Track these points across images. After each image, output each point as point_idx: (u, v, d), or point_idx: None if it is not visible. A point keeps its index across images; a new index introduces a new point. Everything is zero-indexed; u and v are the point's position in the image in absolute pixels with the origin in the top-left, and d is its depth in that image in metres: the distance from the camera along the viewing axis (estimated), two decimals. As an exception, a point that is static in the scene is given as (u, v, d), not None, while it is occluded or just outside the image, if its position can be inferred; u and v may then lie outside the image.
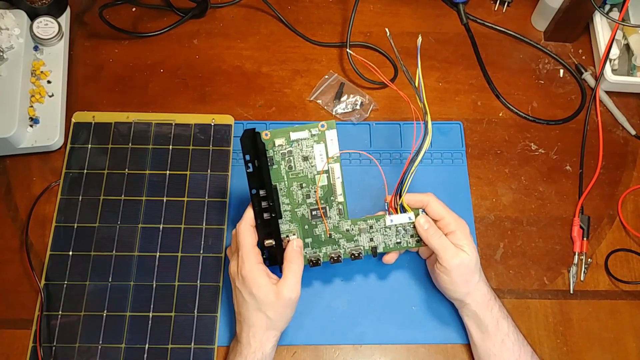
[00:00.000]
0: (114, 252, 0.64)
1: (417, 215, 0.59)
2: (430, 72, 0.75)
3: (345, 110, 0.72)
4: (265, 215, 0.57)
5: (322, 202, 0.60)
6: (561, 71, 0.76)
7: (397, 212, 0.60)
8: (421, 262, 0.64)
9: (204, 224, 0.65)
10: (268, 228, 0.58)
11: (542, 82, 0.76)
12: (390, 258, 0.61)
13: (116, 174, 0.67)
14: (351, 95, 0.73)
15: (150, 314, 0.62)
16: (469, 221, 0.67)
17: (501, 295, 0.64)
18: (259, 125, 0.71)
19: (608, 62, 0.72)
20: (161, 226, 0.65)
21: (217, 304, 0.62)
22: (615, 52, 0.72)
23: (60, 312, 0.61)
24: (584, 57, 0.77)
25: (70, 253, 0.64)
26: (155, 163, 0.68)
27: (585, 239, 0.67)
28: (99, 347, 0.60)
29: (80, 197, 0.66)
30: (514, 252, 0.66)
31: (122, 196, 0.66)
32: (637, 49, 0.73)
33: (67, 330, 0.61)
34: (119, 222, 0.65)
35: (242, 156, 0.56)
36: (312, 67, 0.75)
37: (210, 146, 0.69)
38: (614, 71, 0.73)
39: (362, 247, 0.60)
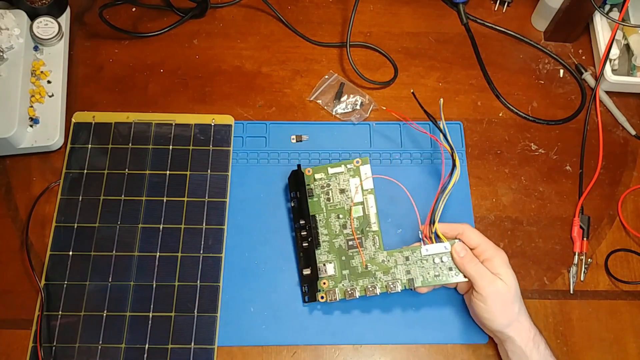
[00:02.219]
0: (114, 252, 0.64)
1: (452, 245, 0.59)
2: (431, 72, 0.75)
3: (345, 110, 0.72)
4: (305, 244, 0.61)
5: (358, 232, 0.62)
6: (561, 71, 0.76)
7: (432, 242, 0.60)
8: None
9: (204, 224, 0.65)
10: (307, 258, 0.61)
11: (542, 82, 0.76)
12: (424, 288, 0.61)
13: (116, 174, 0.67)
14: (351, 95, 0.73)
15: (150, 314, 0.62)
16: (469, 221, 0.67)
17: (501, 295, 0.64)
18: (260, 126, 0.71)
19: (608, 62, 0.72)
20: (161, 226, 0.65)
21: (217, 304, 0.62)
22: (615, 52, 0.72)
23: (60, 312, 0.61)
24: (583, 57, 0.77)
25: (70, 253, 0.64)
26: (156, 163, 0.68)
27: (585, 239, 0.67)
28: (99, 347, 0.60)
29: (80, 197, 0.66)
30: (514, 252, 0.66)
31: (122, 196, 0.66)
32: (637, 49, 0.73)
33: (67, 330, 0.61)
34: (119, 222, 0.65)
35: (242, 157, 0.61)
36: (312, 67, 0.75)
37: (210, 146, 0.69)
38: (614, 71, 0.73)
39: (399, 280, 0.60)
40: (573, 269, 0.65)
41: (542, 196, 0.69)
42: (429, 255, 0.60)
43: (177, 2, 0.77)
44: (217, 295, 0.63)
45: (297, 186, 0.64)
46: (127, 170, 0.68)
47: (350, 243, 0.62)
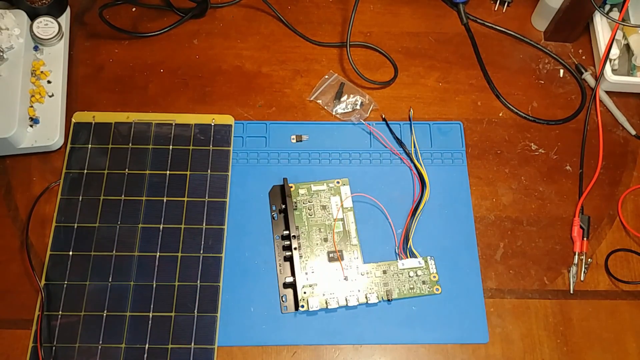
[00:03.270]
0: (114, 252, 0.64)
1: (425, 259, 0.63)
2: (431, 72, 0.75)
3: (345, 110, 0.72)
4: (287, 253, 0.63)
5: (339, 246, 0.64)
6: (561, 71, 0.76)
7: (407, 257, 0.64)
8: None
9: (204, 224, 0.65)
10: (290, 267, 0.63)
11: (542, 82, 0.76)
12: None
13: (116, 174, 0.67)
14: (351, 95, 0.73)
15: (150, 314, 0.62)
16: (469, 221, 0.67)
17: (501, 295, 0.64)
18: (260, 126, 0.71)
19: (608, 62, 0.72)
20: (161, 226, 0.65)
21: (217, 304, 0.62)
22: (615, 52, 0.72)
23: (60, 312, 0.61)
24: (583, 57, 0.77)
25: (70, 253, 0.64)
26: (156, 163, 0.68)
27: (585, 239, 0.67)
28: (99, 347, 0.60)
29: (81, 197, 0.66)
30: (514, 252, 0.66)
31: (122, 196, 0.66)
32: (637, 49, 0.73)
33: (67, 330, 0.61)
34: (119, 222, 0.65)
35: (242, 157, 0.65)
36: (312, 67, 0.75)
37: (211, 146, 0.69)
38: (614, 71, 0.73)
39: (376, 293, 0.62)
40: (573, 269, 0.65)
41: (542, 196, 0.69)
42: (405, 269, 0.63)
43: (177, 2, 0.77)
44: (217, 295, 0.63)
45: (283, 198, 0.66)
46: (127, 170, 0.68)
47: (331, 255, 0.64)
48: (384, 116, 0.71)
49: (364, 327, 0.62)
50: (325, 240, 0.65)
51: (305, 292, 0.62)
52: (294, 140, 0.70)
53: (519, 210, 0.68)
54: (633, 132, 0.72)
